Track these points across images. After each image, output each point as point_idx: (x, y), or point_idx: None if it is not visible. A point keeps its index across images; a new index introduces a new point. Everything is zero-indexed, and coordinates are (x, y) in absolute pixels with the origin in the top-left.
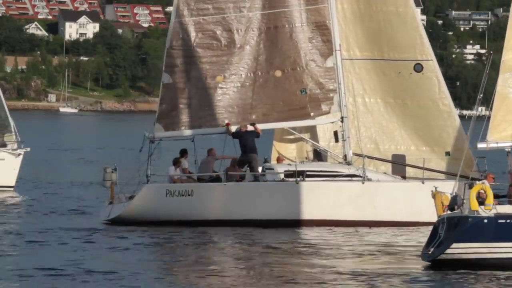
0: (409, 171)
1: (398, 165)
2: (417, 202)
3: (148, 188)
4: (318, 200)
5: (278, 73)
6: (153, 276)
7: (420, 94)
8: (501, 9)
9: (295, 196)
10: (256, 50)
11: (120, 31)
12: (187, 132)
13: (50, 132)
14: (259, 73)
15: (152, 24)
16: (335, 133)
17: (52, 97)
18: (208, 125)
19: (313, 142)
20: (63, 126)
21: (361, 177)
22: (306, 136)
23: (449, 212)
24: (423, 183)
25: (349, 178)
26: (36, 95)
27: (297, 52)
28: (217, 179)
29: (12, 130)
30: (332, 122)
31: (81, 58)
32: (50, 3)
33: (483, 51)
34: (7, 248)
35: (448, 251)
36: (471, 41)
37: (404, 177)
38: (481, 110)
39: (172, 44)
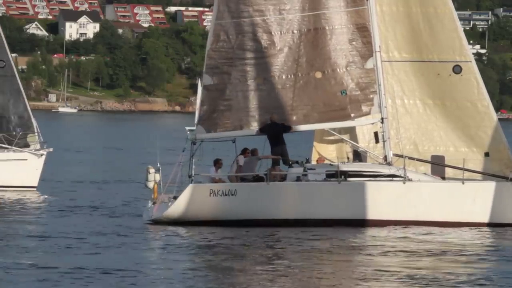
0: (448, 171)
1: (438, 165)
2: (457, 202)
3: (192, 188)
4: (360, 199)
5: (318, 75)
6: (201, 277)
7: (459, 95)
8: (501, 9)
9: (338, 195)
10: (296, 52)
11: (120, 31)
12: (228, 134)
13: (56, 132)
14: (300, 75)
15: (152, 24)
16: (376, 134)
17: (52, 97)
18: (249, 126)
19: (353, 142)
20: (67, 126)
21: (401, 177)
22: (345, 137)
23: None
24: (463, 183)
25: (390, 179)
26: (37, 95)
27: (337, 54)
28: (260, 179)
29: (35, 130)
30: (372, 123)
31: (82, 58)
32: (51, 3)
33: (483, 51)
34: (44, 248)
35: None
36: (471, 41)
37: (443, 178)
38: None
39: (212, 46)
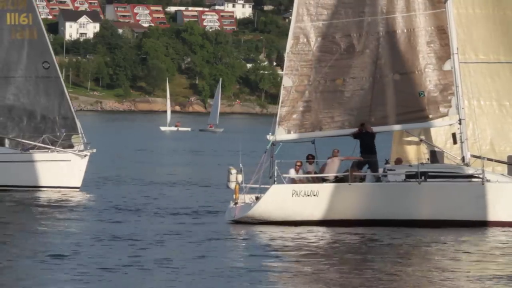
0: None
1: None
2: None
3: (275, 188)
4: (439, 200)
5: (397, 77)
6: (287, 278)
7: None
8: None
9: (418, 196)
10: (375, 54)
11: (120, 31)
12: (308, 135)
13: None
14: (378, 77)
15: (152, 24)
16: (453, 135)
17: None
18: (328, 127)
19: (431, 143)
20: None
21: (480, 178)
22: (423, 137)
23: None
24: None
25: (469, 179)
26: None
27: (416, 56)
28: (342, 180)
29: (79, 131)
30: (450, 125)
31: (82, 58)
32: (51, 3)
33: None
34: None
35: None
36: None
37: None
38: None
39: (292, 48)
